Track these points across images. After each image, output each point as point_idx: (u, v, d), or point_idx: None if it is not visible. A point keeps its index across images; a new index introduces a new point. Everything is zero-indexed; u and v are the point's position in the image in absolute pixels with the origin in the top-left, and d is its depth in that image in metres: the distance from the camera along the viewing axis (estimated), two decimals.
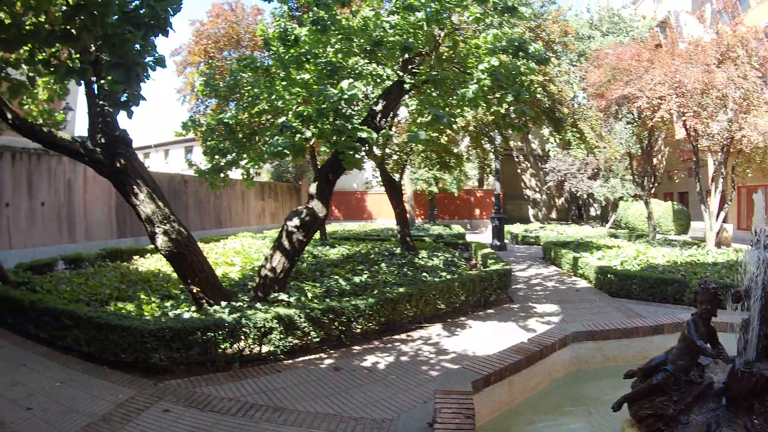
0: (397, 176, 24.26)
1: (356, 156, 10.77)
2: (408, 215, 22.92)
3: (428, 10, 11.58)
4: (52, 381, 8.69)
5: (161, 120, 74.68)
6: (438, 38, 12.86)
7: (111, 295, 12.89)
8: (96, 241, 25.56)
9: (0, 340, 11.25)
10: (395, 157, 26.94)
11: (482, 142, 33.62)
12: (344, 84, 10.23)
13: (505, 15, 12.68)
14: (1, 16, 6.53)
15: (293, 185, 49.66)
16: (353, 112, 10.98)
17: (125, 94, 6.31)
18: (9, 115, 10.79)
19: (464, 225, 45.76)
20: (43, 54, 6.83)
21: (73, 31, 5.16)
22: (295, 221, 11.65)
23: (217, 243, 25.92)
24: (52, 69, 6.67)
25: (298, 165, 44.60)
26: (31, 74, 8.66)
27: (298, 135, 10.15)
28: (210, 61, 39.73)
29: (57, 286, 13.81)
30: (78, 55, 7.64)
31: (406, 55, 12.85)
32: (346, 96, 10.08)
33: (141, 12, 5.87)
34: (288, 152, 10.05)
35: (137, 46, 5.84)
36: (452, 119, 13.69)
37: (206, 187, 32.59)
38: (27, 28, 6.01)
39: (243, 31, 41.23)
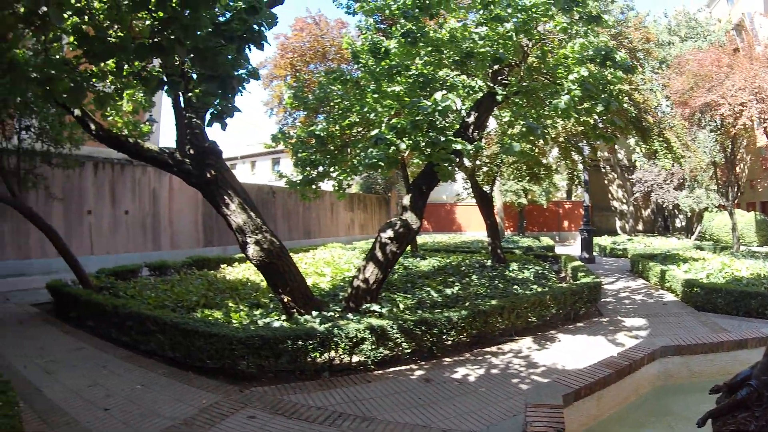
0: (487, 188, 23.95)
1: (450, 168, 10.73)
2: (498, 227, 22.70)
3: (515, 20, 11.50)
4: (133, 383, 8.86)
5: (248, 132, 76.30)
6: (526, 49, 12.76)
7: (198, 302, 13.08)
8: (182, 249, 26.20)
9: (80, 343, 11.58)
10: (485, 168, 26.74)
11: (571, 152, 33.21)
12: (438, 96, 10.21)
13: (591, 24, 12.55)
14: (86, 29, 6.71)
15: (383, 197, 50.01)
16: (446, 124, 10.94)
17: (218, 106, 6.43)
18: (93, 126, 11.11)
19: (553, 237, 45.26)
20: (131, 66, 6.95)
21: (163, 43, 5.24)
22: (389, 233, 11.63)
23: (306, 253, 26.06)
24: (142, 81, 6.79)
25: (388, 177, 44.84)
26: (118, 86, 8.90)
27: (392, 147, 10.17)
28: (297, 74, 40.13)
29: (141, 292, 14.15)
30: (162, 68, 7.82)
31: (496, 66, 12.74)
32: (440, 108, 10.06)
33: (233, 25, 5.96)
34: (382, 164, 10.12)
35: (230, 58, 5.94)
36: (545, 130, 13.53)
37: (295, 198, 33.57)
38: (112, 40, 6.13)
39: (328, 45, 41.58)
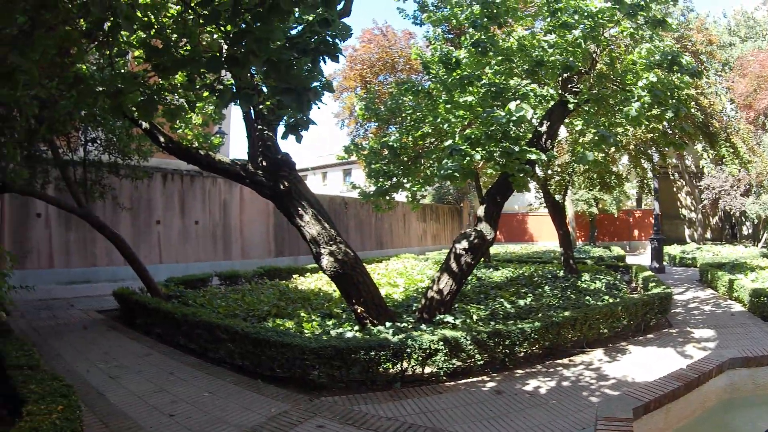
0: (559, 197, 23.84)
1: (525, 178, 10.66)
2: (570, 237, 22.52)
3: (582, 27, 11.43)
4: (200, 390, 8.96)
5: (318, 143, 77.11)
6: (595, 56, 12.71)
7: (269, 311, 13.21)
8: (252, 259, 26.44)
9: (147, 349, 11.79)
10: (557, 178, 26.43)
11: (641, 160, 32.68)
12: (512, 105, 10.13)
13: (656, 28, 12.40)
14: (154, 42, 6.77)
15: (455, 207, 50.13)
16: (520, 134, 10.87)
17: (293, 119, 6.43)
18: (162, 139, 11.31)
19: (623, 246, 44.59)
20: (203, 79, 6.97)
21: (237, 56, 5.24)
22: (464, 244, 11.61)
23: (378, 264, 26.31)
24: (215, 94, 6.81)
25: (460, 187, 44.58)
26: (189, 99, 8.95)
27: (467, 158, 10.11)
28: (367, 85, 40.27)
29: (211, 301, 14.39)
30: (234, 81, 7.83)
31: (566, 74, 12.68)
32: (514, 118, 10.00)
33: (306, 38, 5.96)
34: (457, 175, 10.06)
35: (305, 71, 5.94)
36: (617, 138, 13.37)
37: (368, 208, 34.46)
38: (182, 53, 6.16)
39: (396, 55, 41.51)
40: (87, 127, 14.94)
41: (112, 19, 5.41)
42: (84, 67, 8.54)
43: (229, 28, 5.65)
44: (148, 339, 12.72)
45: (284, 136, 6.41)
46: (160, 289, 15.48)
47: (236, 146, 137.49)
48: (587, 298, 15.07)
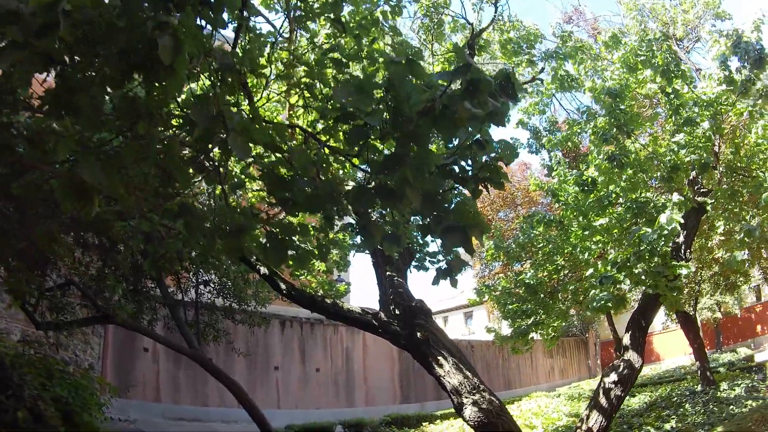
0: (689, 309, 22.67)
1: (679, 296, 9.82)
2: (704, 349, 21.27)
3: (708, 118, 10.93)
4: None
5: (432, 288, 77.38)
6: (718, 147, 12.15)
7: None
8: (377, 406, 25.88)
9: None
10: (686, 289, 25.10)
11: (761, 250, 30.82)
12: (662, 218, 9.36)
13: None
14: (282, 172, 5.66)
15: (580, 339, 48.57)
16: (667, 250, 9.99)
17: (444, 262, 5.52)
18: (283, 286, 10.64)
19: (747, 345, 42.18)
20: (341, 217, 5.84)
21: (392, 186, 4.27)
22: (613, 377, 10.71)
23: (510, 405, 25.44)
24: (361, 234, 5.64)
25: (584, 318, 43.29)
26: (323, 242, 8.01)
27: (616, 285, 9.44)
28: (489, 222, 39.42)
29: None
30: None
31: (693, 175, 12.15)
32: (666, 231, 9.20)
33: (462, 164, 4.96)
34: (610, 305, 9.41)
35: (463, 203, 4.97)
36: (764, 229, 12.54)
37: (494, 350, 34.51)
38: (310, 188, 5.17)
39: (515, 189, 40.28)
40: (199, 269, 14.46)
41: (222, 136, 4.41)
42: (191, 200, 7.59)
43: (379, 148, 4.88)
44: None
45: (435, 282, 5.52)
46: None
47: (357, 297, 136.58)
48: (731, 407, 14.59)
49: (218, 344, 16.45)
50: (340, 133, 4.97)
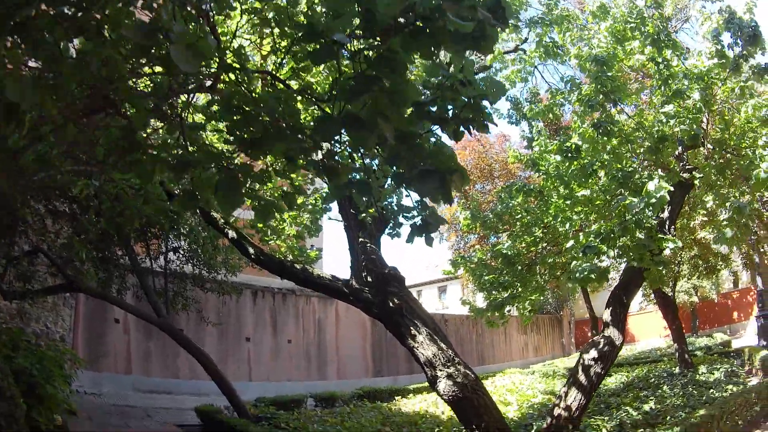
0: (668, 290, 22.48)
1: (662, 271, 9.51)
2: (682, 331, 21.19)
3: (698, 91, 10.77)
4: None
5: (408, 262, 77.81)
6: (707, 122, 12.01)
7: None
8: (349, 380, 25.98)
9: None
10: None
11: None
12: (651, 186, 9.04)
13: (763, 77, 11.48)
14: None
15: (554, 316, 48.69)
16: (654, 223, 9.67)
17: (419, 218, 5.00)
18: (252, 251, 10.35)
19: (723, 331, 42.56)
20: (301, 159, 5.11)
21: (362, 115, 3.67)
22: (593, 353, 10.46)
23: (484, 381, 25.29)
24: (327, 173, 4.84)
25: (559, 295, 43.21)
26: (288, 191, 7.09)
27: (601, 255, 9.23)
28: (465, 194, 39.01)
29: (306, 425, 13.62)
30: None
31: (679, 149, 12.05)
32: (653, 200, 8.84)
33: (439, 103, 4.28)
34: (593, 277, 9.04)
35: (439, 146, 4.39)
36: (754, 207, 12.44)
37: (468, 325, 35.18)
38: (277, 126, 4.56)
39: (492, 161, 40.43)
40: (168, 235, 14.32)
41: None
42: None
43: (346, 71, 4.25)
44: None
45: (409, 240, 5.05)
46: (248, 409, 14.61)
47: (329, 264, 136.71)
48: (711, 391, 14.82)
49: (188, 314, 16.47)
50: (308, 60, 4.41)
